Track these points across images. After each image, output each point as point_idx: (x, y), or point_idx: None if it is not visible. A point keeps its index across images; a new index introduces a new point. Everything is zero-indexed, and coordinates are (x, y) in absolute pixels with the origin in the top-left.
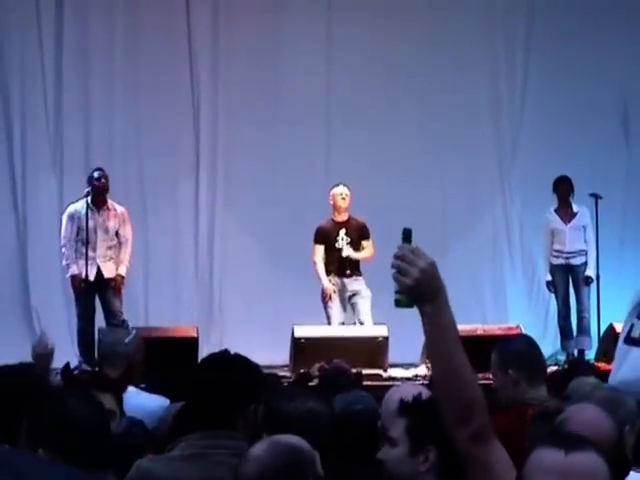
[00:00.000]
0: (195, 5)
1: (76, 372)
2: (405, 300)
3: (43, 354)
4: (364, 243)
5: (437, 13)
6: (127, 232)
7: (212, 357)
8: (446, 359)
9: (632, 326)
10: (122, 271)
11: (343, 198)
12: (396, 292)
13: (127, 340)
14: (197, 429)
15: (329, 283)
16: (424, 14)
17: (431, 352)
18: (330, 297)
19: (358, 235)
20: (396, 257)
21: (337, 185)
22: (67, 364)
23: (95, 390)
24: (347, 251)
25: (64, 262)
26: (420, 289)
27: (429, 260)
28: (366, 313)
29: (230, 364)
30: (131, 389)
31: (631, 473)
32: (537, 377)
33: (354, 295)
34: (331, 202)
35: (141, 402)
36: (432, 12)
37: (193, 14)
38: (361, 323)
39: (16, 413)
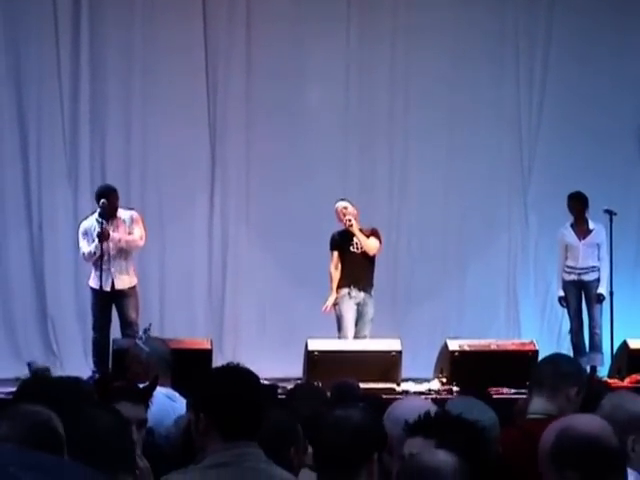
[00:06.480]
0: (212, 17)
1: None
2: None
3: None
4: (371, 238)
5: (457, 30)
6: (135, 229)
7: (224, 370)
8: None
9: None
10: (118, 236)
11: (344, 213)
12: None
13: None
14: (218, 441)
15: (332, 299)
16: (445, 32)
17: None
18: (327, 309)
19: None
20: None
21: (339, 201)
22: (103, 375)
23: (128, 401)
24: (354, 227)
25: (86, 255)
26: None
27: None
28: (364, 335)
29: (241, 378)
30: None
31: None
32: (534, 389)
33: (363, 316)
34: (337, 217)
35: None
36: (452, 29)
37: (210, 26)
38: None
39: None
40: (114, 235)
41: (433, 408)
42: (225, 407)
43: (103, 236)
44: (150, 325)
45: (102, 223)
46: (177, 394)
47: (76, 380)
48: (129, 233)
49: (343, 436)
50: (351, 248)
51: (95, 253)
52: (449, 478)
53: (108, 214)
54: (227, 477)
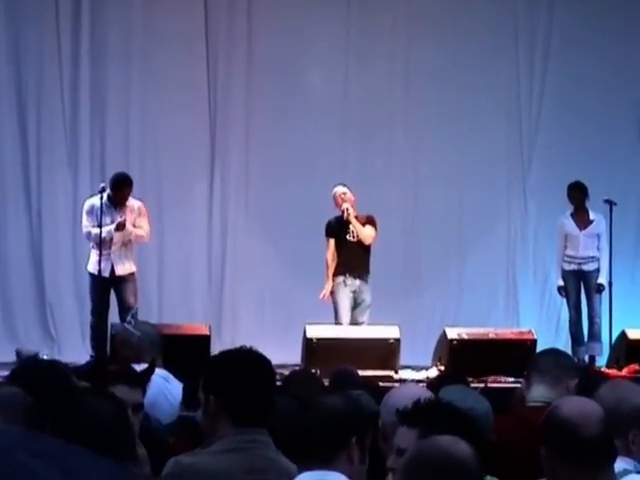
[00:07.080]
0: (213, 6)
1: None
2: None
3: None
4: (367, 226)
5: (458, 19)
6: (142, 222)
7: (236, 353)
8: None
9: None
10: (131, 228)
11: (343, 199)
12: None
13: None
14: (228, 425)
15: (329, 286)
16: (445, 21)
17: None
18: (324, 297)
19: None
20: None
21: (337, 185)
22: (100, 359)
23: (124, 384)
24: (351, 215)
25: (92, 236)
26: None
27: None
28: (361, 321)
29: (254, 362)
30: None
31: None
32: (531, 378)
33: (360, 303)
34: (334, 202)
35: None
36: (453, 18)
37: (210, 15)
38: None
39: (42, 409)
40: (128, 226)
41: (429, 396)
42: (236, 391)
43: (120, 226)
44: (137, 309)
45: (108, 207)
46: (171, 375)
47: (52, 362)
48: (134, 225)
49: (321, 422)
50: (347, 236)
51: (100, 237)
52: (474, 470)
53: (117, 202)
54: (238, 462)
